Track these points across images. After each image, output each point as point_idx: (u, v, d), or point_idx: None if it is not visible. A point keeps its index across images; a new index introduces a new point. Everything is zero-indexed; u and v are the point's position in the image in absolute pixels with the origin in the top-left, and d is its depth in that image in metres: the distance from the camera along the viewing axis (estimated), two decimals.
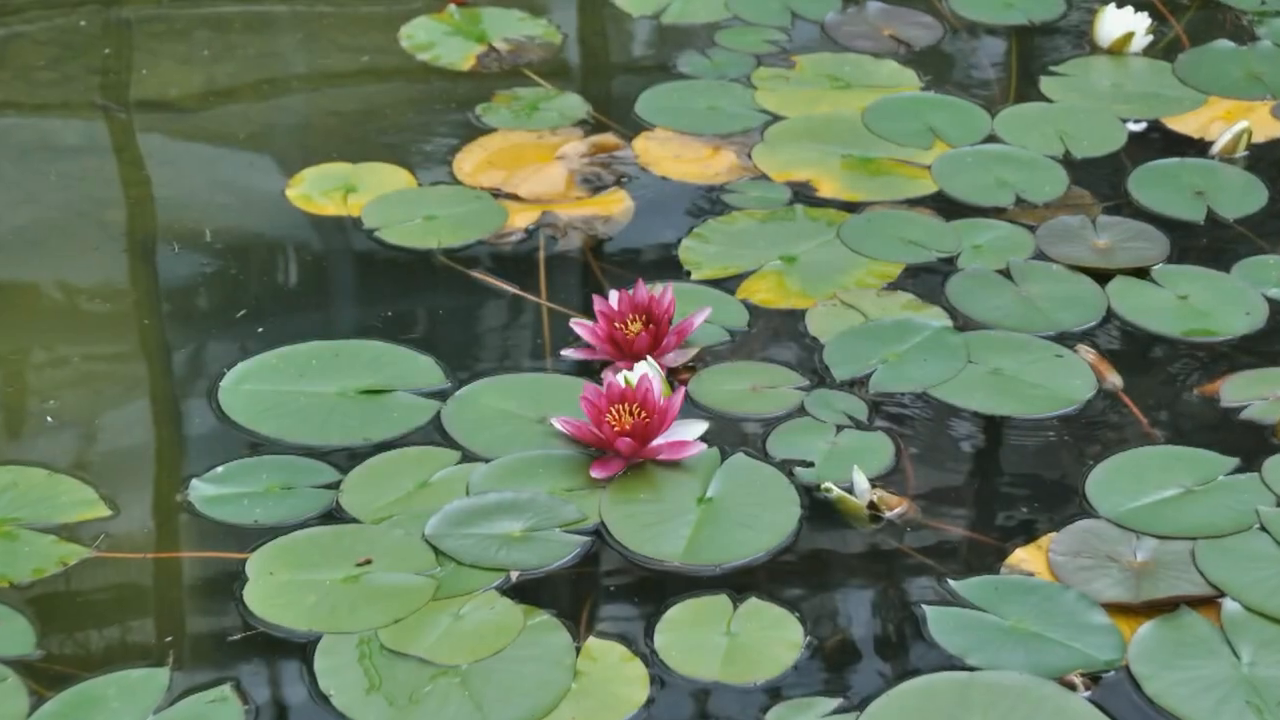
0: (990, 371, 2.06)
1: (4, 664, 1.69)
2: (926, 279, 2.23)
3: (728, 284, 2.22)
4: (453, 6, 2.81)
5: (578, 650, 1.71)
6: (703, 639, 1.72)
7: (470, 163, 2.45)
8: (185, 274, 2.26)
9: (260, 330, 2.13)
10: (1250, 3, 2.88)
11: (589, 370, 2.05)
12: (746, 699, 1.67)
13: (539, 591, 1.77)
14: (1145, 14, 2.73)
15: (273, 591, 1.76)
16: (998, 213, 2.36)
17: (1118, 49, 2.71)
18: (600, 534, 1.84)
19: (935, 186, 2.41)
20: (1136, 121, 2.57)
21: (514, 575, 1.79)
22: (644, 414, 1.88)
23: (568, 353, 2.07)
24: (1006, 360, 2.07)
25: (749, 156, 2.47)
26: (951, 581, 1.79)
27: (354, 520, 1.85)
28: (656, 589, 1.78)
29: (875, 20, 2.82)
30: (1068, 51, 2.75)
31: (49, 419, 2.01)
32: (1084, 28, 2.79)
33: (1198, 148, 2.51)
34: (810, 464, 1.92)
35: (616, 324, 2.02)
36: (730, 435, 1.97)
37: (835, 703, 1.66)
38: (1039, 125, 2.55)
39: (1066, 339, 2.13)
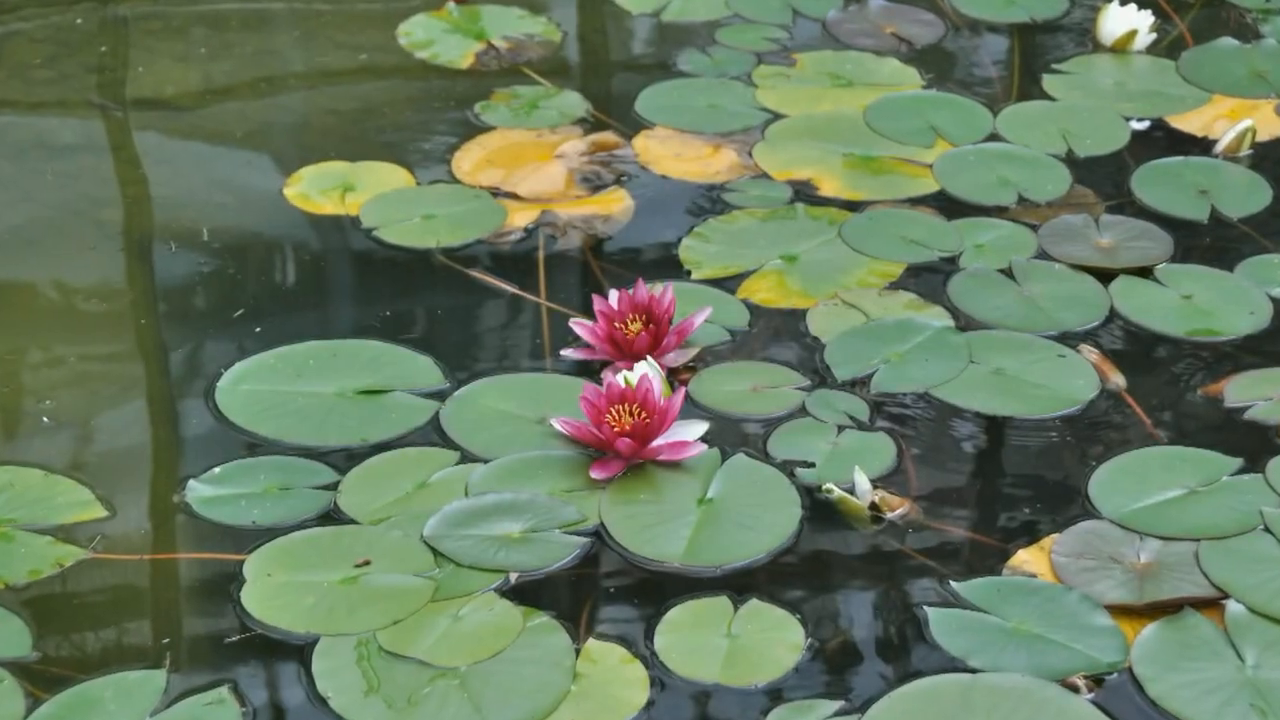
0: (992, 372, 2.06)
1: (0, 666, 1.68)
2: (928, 278, 2.22)
3: (728, 283, 2.21)
4: (451, 4, 2.80)
5: (577, 652, 1.70)
6: (703, 641, 1.72)
7: (469, 161, 2.44)
8: (182, 273, 2.25)
9: (258, 330, 2.13)
10: (1254, 0, 2.87)
11: (589, 370, 2.04)
12: (747, 701, 1.67)
13: (538, 593, 1.77)
14: (1148, 11, 2.72)
15: (270, 593, 1.75)
16: (1000, 212, 2.35)
17: (1121, 47, 2.71)
18: (600, 535, 1.83)
19: (937, 185, 2.40)
20: (1140, 120, 2.56)
21: (513, 577, 1.78)
22: (644, 414, 1.87)
23: (567, 353, 2.06)
24: (1009, 360, 2.07)
25: (750, 155, 2.46)
26: (953, 583, 1.78)
27: (352, 521, 1.84)
28: (656, 590, 1.77)
29: (877, 18, 2.82)
30: (1070, 49, 2.74)
31: (45, 419, 2.00)
32: (1087, 25, 2.79)
33: (1201, 146, 2.50)
34: (811, 465, 1.91)
35: (616, 324, 2.02)
36: (731, 436, 1.96)
37: (837, 705, 1.65)
38: (1042, 123, 2.54)
39: (1069, 339, 2.12)
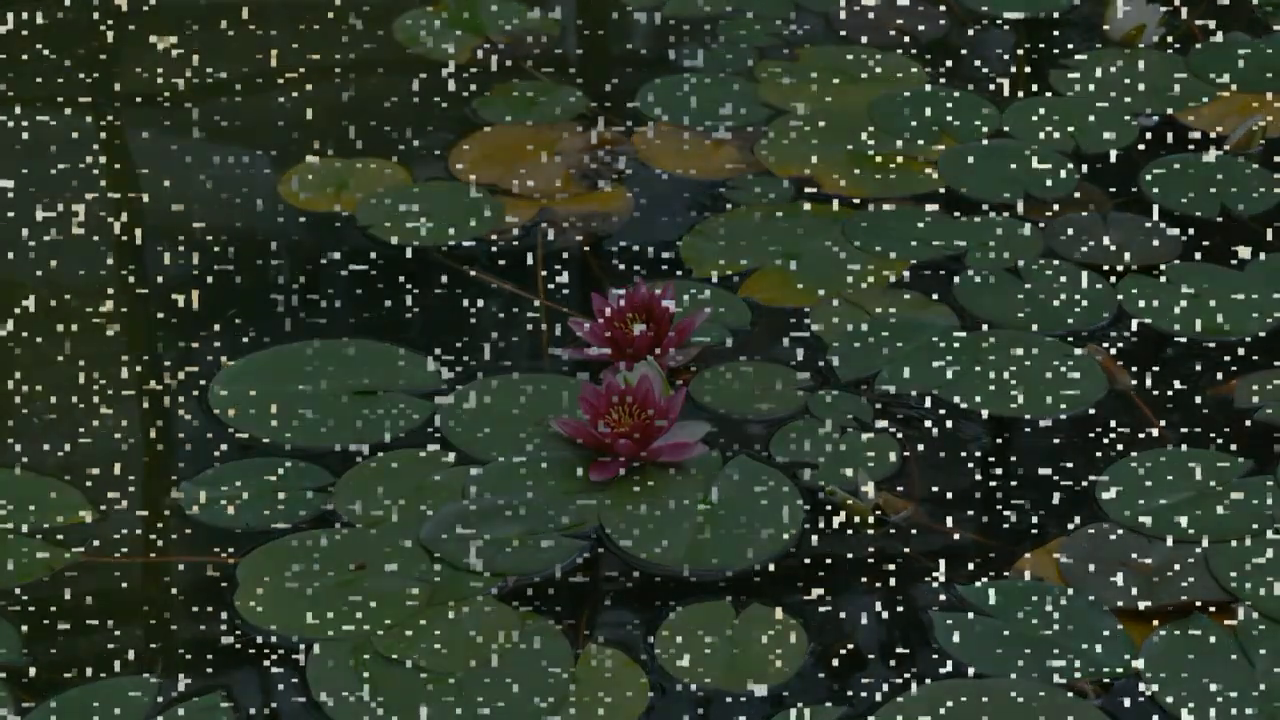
0: (998, 372, 2.04)
1: None
2: (933, 277, 2.21)
3: (730, 282, 2.19)
4: None
5: (576, 657, 1.69)
6: (704, 645, 1.70)
7: (466, 158, 2.43)
8: (174, 271, 2.24)
9: (251, 329, 2.11)
10: None
11: (588, 370, 2.03)
12: (749, 707, 1.65)
13: (536, 596, 1.75)
14: (1158, 6, 2.71)
15: (264, 596, 1.74)
16: (1006, 209, 2.34)
17: (1129, 41, 2.69)
18: (599, 538, 1.82)
19: (942, 182, 2.39)
20: (1149, 116, 2.55)
21: (511, 580, 1.76)
22: (644, 415, 1.86)
23: (566, 352, 2.05)
24: (1015, 360, 2.05)
25: (752, 151, 2.45)
26: (959, 587, 1.77)
27: (348, 524, 1.83)
28: (657, 594, 1.76)
29: (881, 12, 2.80)
30: (1078, 44, 2.73)
31: (35, 420, 1.99)
32: (1095, 20, 2.77)
33: (1211, 143, 2.48)
34: (814, 466, 1.90)
35: (616, 323, 2.00)
36: (732, 437, 1.95)
37: (840, 711, 1.64)
38: (1049, 119, 2.52)
39: (1076, 338, 2.10)
